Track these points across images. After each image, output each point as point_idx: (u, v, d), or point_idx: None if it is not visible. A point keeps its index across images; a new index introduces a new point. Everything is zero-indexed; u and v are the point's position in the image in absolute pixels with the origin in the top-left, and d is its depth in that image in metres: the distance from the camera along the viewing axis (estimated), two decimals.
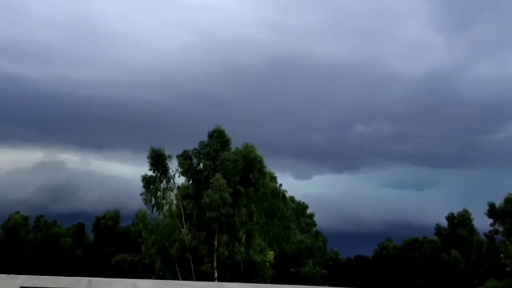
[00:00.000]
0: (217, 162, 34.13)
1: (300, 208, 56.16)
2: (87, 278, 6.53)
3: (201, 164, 35.22)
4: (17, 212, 66.01)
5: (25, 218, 65.92)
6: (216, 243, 33.21)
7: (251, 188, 34.40)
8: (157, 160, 35.31)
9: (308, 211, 59.15)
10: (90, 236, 67.55)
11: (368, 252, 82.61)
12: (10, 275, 6.75)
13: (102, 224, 64.56)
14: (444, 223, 66.39)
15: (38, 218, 67.51)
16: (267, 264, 35.17)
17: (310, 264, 46.47)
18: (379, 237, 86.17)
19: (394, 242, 77.46)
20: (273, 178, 42.80)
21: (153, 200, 35.47)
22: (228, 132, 36.65)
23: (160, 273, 35.19)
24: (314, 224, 59.09)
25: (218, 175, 32.95)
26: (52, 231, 64.23)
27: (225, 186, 32.63)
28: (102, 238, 63.96)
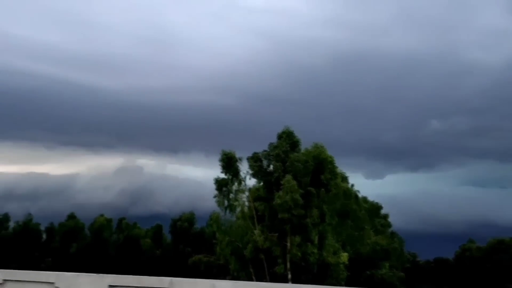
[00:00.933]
0: (287, 163, 34.14)
1: (374, 209, 54.48)
2: (169, 278, 6.80)
3: (271, 166, 35.43)
4: (102, 215, 70.59)
5: (109, 221, 70.29)
6: (288, 244, 33.19)
7: (323, 189, 33.97)
8: (229, 163, 36.03)
9: (382, 211, 57.28)
10: (168, 237, 70.50)
11: (448, 254, 78.23)
12: (100, 274, 7.20)
13: (178, 226, 67.13)
14: None
15: (120, 220, 71.71)
16: (341, 265, 34.51)
17: (387, 267, 44.85)
18: (460, 238, 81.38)
19: (478, 244, 72.65)
20: (345, 179, 41.93)
21: (225, 202, 36.23)
22: (297, 133, 36.59)
23: (235, 274, 35.83)
24: (389, 225, 57.02)
25: (288, 177, 32.94)
26: (133, 233, 67.86)
27: (296, 187, 32.52)
28: (179, 239, 66.48)
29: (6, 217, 64.51)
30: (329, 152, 35.22)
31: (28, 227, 64.66)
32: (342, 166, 39.86)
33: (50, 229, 68.25)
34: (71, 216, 69.97)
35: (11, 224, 65.43)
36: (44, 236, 67.49)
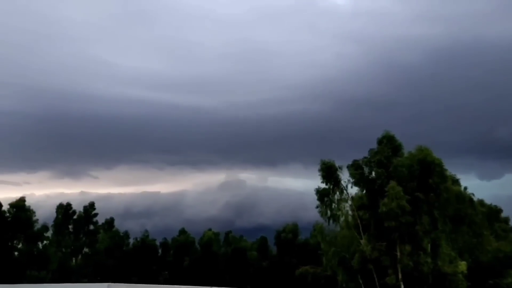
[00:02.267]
0: (390, 169, 32.82)
1: (493, 212, 49.84)
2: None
3: (373, 173, 34.31)
4: (209, 229, 73.70)
5: (216, 234, 73.12)
6: (398, 253, 31.66)
7: (432, 194, 32.00)
8: (329, 172, 35.61)
9: (502, 214, 52.15)
10: (273, 249, 71.28)
11: None
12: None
13: (282, 237, 67.58)
14: None
15: (227, 233, 74.23)
16: (460, 275, 31.97)
17: None
18: None
19: None
20: (456, 181, 39.03)
21: (328, 212, 35.80)
22: (398, 136, 35.07)
23: (343, 285, 35.09)
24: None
25: (392, 183, 31.60)
26: (240, 245, 69.71)
27: (402, 193, 31.06)
28: (284, 251, 66.82)
29: (126, 234, 70.27)
30: (435, 153, 33.16)
31: (145, 243, 69.68)
32: (451, 167, 37.18)
33: (164, 244, 72.82)
34: (182, 231, 74.01)
35: (131, 240, 71.19)
36: (159, 251, 72.25)
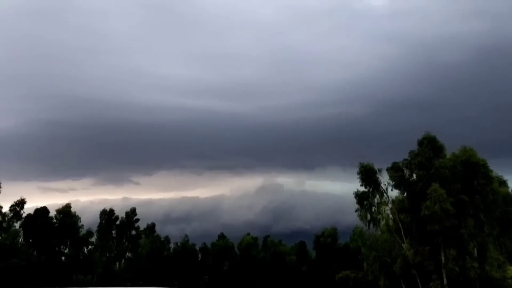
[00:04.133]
0: (431, 171, 31.90)
1: None
2: None
3: (414, 175, 33.48)
4: (248, 234, 73.98)
5: (255, 239, 73.28)
6: (443, 258, 30.67)
7: (477, 196, 30.85)
8: (368, 175, 35.01)
9: None
10: (312, 253, 70.63)
11: None
12: None
13: (321, 242, 66.87)
14: None
15: (266, 238, 74.20)
16: (509, 281, 30.61)
17: None
18: None
19: None
20: (503, 183, 37.55)
21: (368, 215, 35.19)
22: (440, 138, 34.06)
23: None
24: None
25: (435, 185, 30.69)
26: (279, 250, 69.51)
27: (445, 196, 30.11)
28: (323, 255, 66.08)
29: (167, 239, 71.55)
30: (480, 154, 31.99)
31: (185, 248, 70.72)
32: (497, 168, 35.78)
33: (204, 249, 73.67)
34: (221, 236, 74.66)
35: (171, 245, 72.41)
36: (199, 255, 73.12)
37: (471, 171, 31.17)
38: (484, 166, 31.20)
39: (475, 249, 30.96)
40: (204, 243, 74.87)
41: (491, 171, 32.01)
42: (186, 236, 72.61)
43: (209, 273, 69.71)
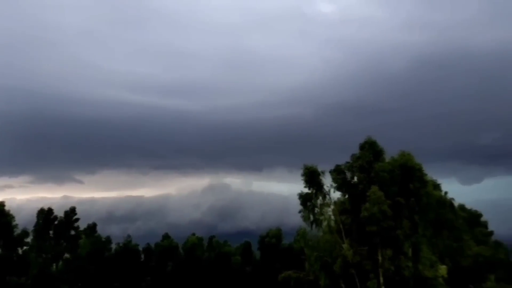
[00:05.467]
0: (371, 174, 33.02)
1: (473, 217, 50.56)
2: None
3: (355, 178, 34.49)
4: (193, 234, 73.26)
5: (200, 239, 72.66)
6: (380, 258, 31.85)
7: (413, 199, 32.30)
8: (311, 177, 35.66)
9: (483, 218, 52.90)
10: (257, 253, 71.09)
11: None
12: None
13: (266, 242, 67.49)
14: None
15: (211, 238, 73.81)
16: (440, 279, 32.27)
17: (492, 279, 41.17)
18: None
19: None
20: (437, 186, 39.59)
21: (311, 216, 35.82)
22: (382, 142, 35.32)
23: None
24: (491, 234, 52.42)
25: (374, 188, 31.80)
26: (224, 250, 69.38)
27: (383, 198, 31.27)
28: (268, 255, 66.72)
29: (108, 240, 69.23)
30: (419, 159, 33.51)
31: (128, 248, 68.78)
32: (434, 172, 37.73)
33: (147, 249, 72.03)
34: (166, 236, 73.37)
35: (113, 245, 70.13)
36: (142, 256, 71.42)
37: (407, 174, 32.57)
38: (420, 170, 32.70)
39: (410, 249, 32.35)
40: (148, 244, 73.28)
41: (426, 175, 33.59)
42: (129, 236, 70.70)
43: (152, 274, 68.26)
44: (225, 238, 75.27)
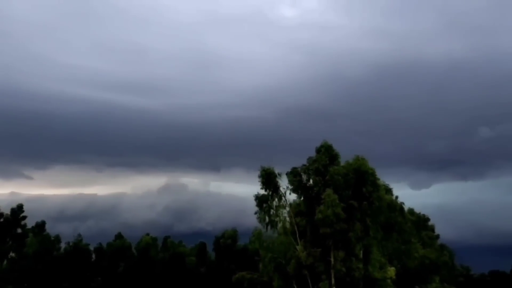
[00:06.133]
0: (327, 177, 33.69)
1: (421, 221, 52.72)
2: None
3: (311, 180, 35.06)
4: (147, 234, 72.04)
5: (154, 239, 71.58)
6: (332, 259, 32.53)
7: (365, 202, 33.21)
8: (268, 179, 35.94)
9: (430, 222, 55.29)
10: (212, 254, 70.87)
11: (505, 266, 74.25)
12: None
13: (221, 243, 67.42)
14: None
15: (166, 238, 72.88)
16: (388, 281, 33.38)
17: (437, 281, 43.06)
18: None
19: None
20: (389, 190, 40.92)
21: (266, 218, 36.05)
22: (338, 146, 36.11)
23: None
24: (437, 237, 54.88)
25: (329, 191, 32.47)
26: (178, 251, 68.68)
27: (337, 201, 31.97)
28: (223, 256, 66.67)
29: (57, 238, 66.83)
30: (372, 164, 34.47)
31: (78, 248, 66.74)
32: (386, 177, 39.03)
33: (99, 249, 70.19)
34: (119, 236, 71.75)
35: (63, 244, 67.80)
36: (93, 256, 69.48)
37: (361, 178, 33.46)
38: (373, 174, 33.68)
39: (361, 251, 33.24)
40: (100, 243, 71.43)
41: (379, 179, 34.65)
42: (80, 235, 68.67)
43: (103, 274, 66.54)
44: (181, 238, 74.68)
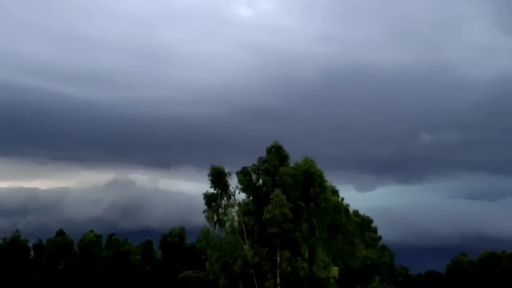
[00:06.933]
0: (276, 177, 34.06)
1: (365, 222, 54.53)
2: None
3: (261, 180, 35.31)
4: (91, 231, 69.71)
5: (98, 237, 69.38)
6: (278, 259, 32.93)
7: (312, 203, 33.89)
8: (218, 178, 35.84)
9: (373, 224, 57.33)
10: (158, 252, 69.67)
11: (440, 267, 78.25)
12: None
13: (168, 241, 66.42)
14: None
15: (110, 236, 70.78)
16: (332, 280, 34.28)
17: (377, 280, 44.73)
18: (453, 251, 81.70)
19: (470, 257, 72.70)
20: (335, 192, 41.99)
21: (215, 217, 35.95)
22: (288, 147, 36.59)
23: None
24: (379, 238, 57.03)
25: (277, 191, 32.83)
26: (123, 249, 66.94)
27: (285, 201, 32.38)
28: (169, 255, 65.69)
29: None
30: (321, 166, 35.23)
31: (16, 244, 63.59)
32: (333, 179, 39.98)
33: (38, 246, 67.21)
34: (60, 233, 68.95)
35: None
36: (32, 253, 66.41)
37: (309, 180, 34.12)
38: (321, 176, 34.45)
39: (307, 251, 33.91)
40: (40, 240, 68.44)
41: (326, 181, 35.52)
42: (18, 230, 65.43)
43: (42, 272, 63.74)
44: (127, 236, 72.91)
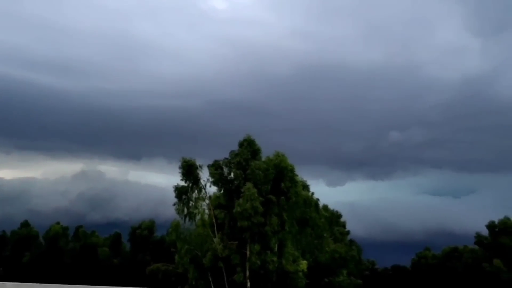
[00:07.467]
0: (247, 171, 34.17)
1: (334, 217, 55.43)
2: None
3: (232, 174, 35.36)
4: (58, 223, 68.24)
5: (65, 228, 68.01)
6: (248, 252, 33.13)
7: (283, 197, 34.19)
8: (189, 170, 35.66)
9: (342, 218, 58.35)
10: (127, 245, 68.87)
11: (406, 261, 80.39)
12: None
13: (137, 234, 65.74)
14: (485, 231, 63.96)
15: (77, 228, 69.47)
16: (300, 273, 34.72)
17: (345, 274, 45.59)
18: (418, 246, 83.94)
19: (434, 251, 74.99)
20: (306, 187, 42.44)
21: (185, 210, 35.78)
22: (260, 142, 36.70)
23: (193, 283, 35.36)
24: (348, 233, 58.12)
25: (249, 184, 32.97)
26: (91, 241, 65.87)
27: (256, 195, 32.57)
28: (138, 248, 65.07)
29: None
30: (291, 160, 35.50)
31: None
32: (304, 174, 40.38)
33: (1, 237, 65.38)
34: (25, 224, 67.23)
35: None
36: None
37: (280, 174, 34.39)
38: (292, 171, 34.75)
39: (276, 244, 34.19)
40: (4, 231, 66.56)
41: (297, 175, 35.84)
42: None
43: (5, 264, 62.02)
44: (95, 228, 71.70)
